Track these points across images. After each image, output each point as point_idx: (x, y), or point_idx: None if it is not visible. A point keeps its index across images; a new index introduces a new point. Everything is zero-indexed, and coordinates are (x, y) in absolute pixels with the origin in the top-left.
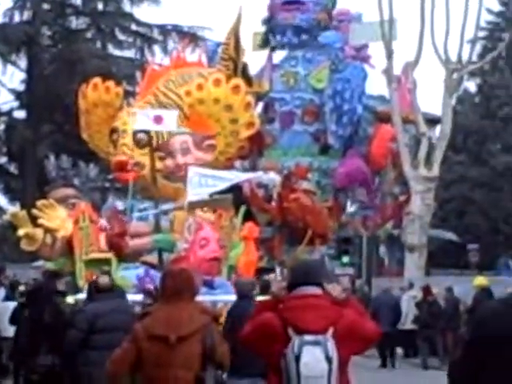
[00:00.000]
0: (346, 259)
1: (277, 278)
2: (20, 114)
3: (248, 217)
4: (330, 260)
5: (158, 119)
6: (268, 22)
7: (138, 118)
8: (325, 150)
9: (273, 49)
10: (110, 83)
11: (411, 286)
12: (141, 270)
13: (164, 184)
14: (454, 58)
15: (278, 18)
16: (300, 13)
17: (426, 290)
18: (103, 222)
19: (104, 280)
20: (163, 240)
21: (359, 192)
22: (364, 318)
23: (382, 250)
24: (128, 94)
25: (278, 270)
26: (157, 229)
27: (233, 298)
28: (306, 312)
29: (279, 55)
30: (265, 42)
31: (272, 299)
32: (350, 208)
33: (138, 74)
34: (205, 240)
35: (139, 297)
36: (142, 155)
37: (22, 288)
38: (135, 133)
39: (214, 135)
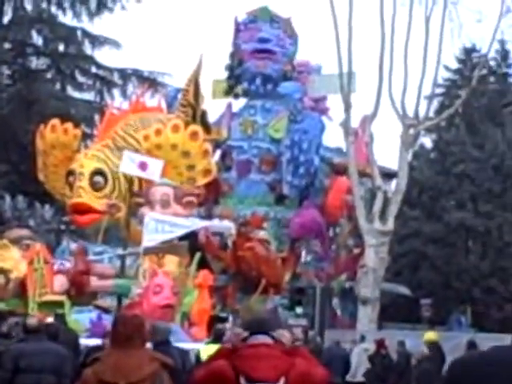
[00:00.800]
0: (299, 310)
1: (232, 327)
2: None
3: (202, 264)
4: (283, 310)
5: (143, 166)
6: (232, 68)
7: (124, 160)
8: (281, 199)
9: (236, 96)
10: (69, 125)
11: (363, 338)
12: (93, 314)
13: (137, 230)
14: (411, 113)
15: (247, 65)
16: (271, 62)
17: (380, 344)
18: (57, 263)
19: (32, 321)
20: (124, 286)
21: (314, 243)
22: (314, 364)
23: (335, 301)
24: (86, 137)
25: (231, 318)
26: (122, 273)
27: (186, 345)
28: (258, 361)
29: (238, 104)
30: (229, 89)
31: (227, 347)
32: (305, 259)
33: (97, 117)
34: (159, 287)
35: (94, 341)
36: (98, 198)
37: None
38: (92, 175)
39: (197, 193)
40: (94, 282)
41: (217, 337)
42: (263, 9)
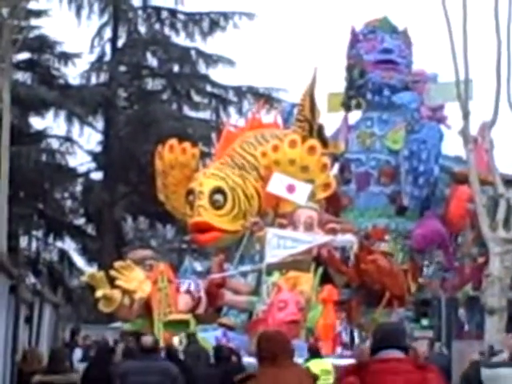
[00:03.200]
0: (425, 322)
1: (359, 343)
2: (97, 176)
3: (325, 279)
4: (409, 322)
5: (290, 188)
6: (351, 80)
7: (273, 181)
8: (401, 211)
9: (352, 109)
10: (186, 144)
11: (491, 349)
12: (219, 332)
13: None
14: None
15: (371, 75)
16: (396, 73)
17: None
18: (181, 283)
19: (147, 339)
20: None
21: (437, 253)
22: (444, 381)
23: (461, 312)
24: (204, 155)
25: (355, 332)
26: (256, 290)
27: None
28: (390, 376)
29: (354, 117)
30: (347, 101)
31: (355, 363)
32: (428, 270)
33: (214, 135)
34: (283, 302)
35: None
36: (218, 216)
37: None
38: (211, 194)
39: (339, 220)
40: (228, 296)
41: (313, 352)
42: (383, 19)
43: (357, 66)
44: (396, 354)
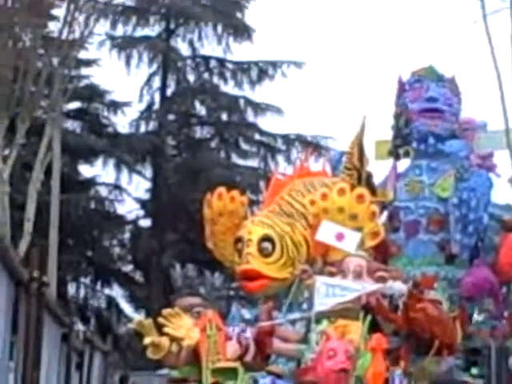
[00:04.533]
0: (474, 370)
1: None
2: (145, 223)
3: (374, 327)
4: (459, 371)
5: (339, 236)
6: (398, 128)
7: (322, 229)
8: (451, 259)
9: (400, 157)
10: (235, 192)
11: None
12: (267, 380)
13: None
14: None
15: (416, 124)
16: (442, 121)
17: None
18: (229, 330)
19: None
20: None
21: (487, 302)
22: None
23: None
24: (252, 203)
25: (405, 381)
26: (305, 338)
27: None
28: None
29: (403, 164)
30: (394, 150)
31: None
32: (478, 318)
33: (262, 183)
34: (332, 351)
35: None
36: (266, 264)
37: None
38: (260, 241)
39: (388, 268)
40: (276, 344)
41: None
42: (429, 68)
43: (403, 115)
44: None
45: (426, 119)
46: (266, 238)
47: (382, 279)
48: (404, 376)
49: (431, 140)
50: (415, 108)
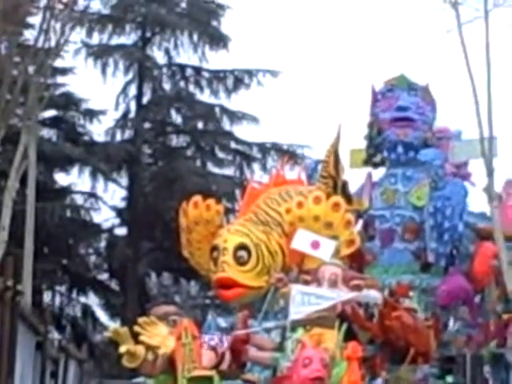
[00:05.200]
0: (449, 379)
1: None
2: (121, 231)
3: (349, 335)
4: (434, 379)
5: (315, 244)
6: (371, 138)
7: (297, 237)
8: (426, 267)
9: (376, 165)
10: (211, 201)
11: None
12: None
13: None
14: None
15: (387, 133)
16: (412, 130)
17: None
18: (205, 338)
19: None
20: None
21: (462, 310)
22: None
23: (486, 369)
24: (228, 212)
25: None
26: (280, 347)
27: None
28: None
29: (378, 173)
30: (368, 159)
31: None
32: (453, 326)
33: (238, 192)
34: (308, 359)
35: None
36: (242, 272)
37: None
38: (236, 250)
39: (364, 277)
40: (252, 352)
41: None
42: (400, 77)
43: (375, 125)
44: None
45: (397, 128)
46: (242, 247)
47: (358, 287)
48: None
49: (400, 149)
50: (386, 117)
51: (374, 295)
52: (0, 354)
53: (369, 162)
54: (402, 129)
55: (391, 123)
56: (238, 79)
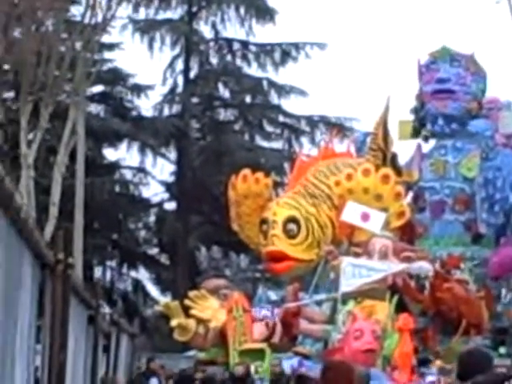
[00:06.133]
0: (502, 350)
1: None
2: (170, 206)
3: (401, 307)
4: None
5: (365, 217)
6: (417, 111)
7: (347, 209)
8: (477, 239)
9: (426, 138)
10: (259, 174)
11: None
12: (294, 361)
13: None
14: None
15: (428, 106)
16: (451, 101)
17: None
18: (255, 311)
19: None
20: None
21: None
22: None
23: None
24: (277, 185)
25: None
26: (331, 319)
27: None
28: None
29: (428, 144)
30: (415, 132)
31: None
32: (505, 298)
33: (286, 165)
34: (359, 331)
35: None
36: (292, 245)
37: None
38: (285, 223)
39: (414, 248)
40: (303, 325)
41: None
42: (442, 49)
43: (419, 98)
44: None
45: (437, 101)
46: (292, 220)
47: (408, 259)
48: (432, 356)
49: (441, 121)
50: (428, 90)
51: (425, 267)
52: (52, 328)
53: (416, 134)
54: (441, 101)
55: (432, 96)
56: (286, 52)
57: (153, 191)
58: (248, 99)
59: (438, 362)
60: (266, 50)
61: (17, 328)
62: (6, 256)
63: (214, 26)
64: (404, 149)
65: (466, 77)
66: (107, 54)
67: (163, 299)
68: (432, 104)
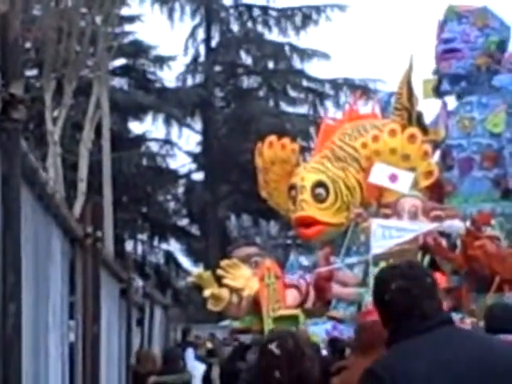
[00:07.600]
0: None
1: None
2: (198, 176)
3: (433, 266)
4: None
5: (393, 177)
6: (436, 72)
7: (374, 171)
8: (506, 194)
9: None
10: (286, 140)
11: None
12: (329, 325)
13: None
14: None
15: (439, 68)
16: (455, 60)
17: None
18: (288, 278)
19: None
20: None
21: None
22: None
23: None
24: (303, 150)
25: (468, 320)
26: (364, 282)
27: None
28: None
29: (453, 102)
30: (436, 92)
31: None
32: None
33: (312, 130)
34: None
35: None
36: (321, 210)
37: (209, 346)
38: (313, 188)
39: (444, 207)
40: (336, 289)
41: None
42: (449, 8)
43: (436, 59)
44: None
45: (443, 61)
46: (320, 184)
47: (438, 218)
48: (466, 314)
49: (446, 82)
50: (438, 51)
51: (455, 225)
52: (85, 301)
53: (438, 94)
54: (447, 61)
55: (441, 56)
56: (306, 16)
57: (180, 162)
58: (271, 65)
59: (470, 320)
60: (286, 14)
61: (49, 303)
62: (34, 232)
63: None
64: (429, 107)
65: (470, 33)
66: (128, 27)
67: (195, 270)
68: (440, 65)
